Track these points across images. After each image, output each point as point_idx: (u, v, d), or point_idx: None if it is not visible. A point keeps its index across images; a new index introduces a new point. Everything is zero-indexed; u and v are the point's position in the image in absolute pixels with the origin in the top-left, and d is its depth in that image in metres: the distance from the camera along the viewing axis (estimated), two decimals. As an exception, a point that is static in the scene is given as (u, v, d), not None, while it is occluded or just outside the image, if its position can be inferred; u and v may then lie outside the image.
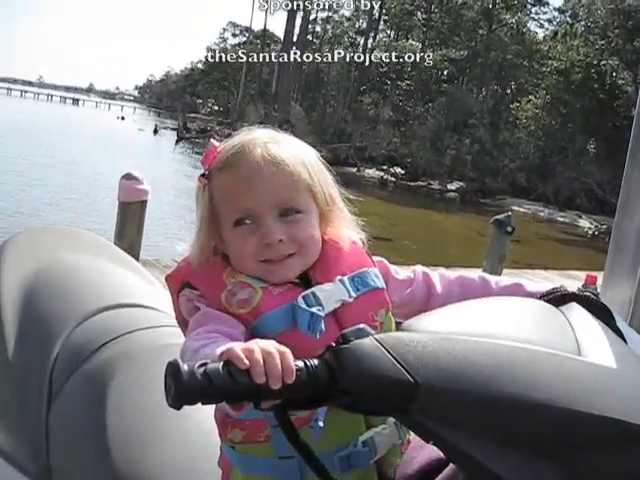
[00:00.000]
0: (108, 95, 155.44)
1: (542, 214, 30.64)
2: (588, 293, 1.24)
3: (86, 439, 1.74)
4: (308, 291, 1.34)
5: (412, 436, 1.39)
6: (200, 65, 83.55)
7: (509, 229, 8.76)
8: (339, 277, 1.38)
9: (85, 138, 36.35)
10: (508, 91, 47.10)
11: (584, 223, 29.51)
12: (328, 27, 63.91)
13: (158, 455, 1.65)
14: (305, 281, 1.39)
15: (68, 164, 24.55)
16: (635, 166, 2.26)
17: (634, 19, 34.83)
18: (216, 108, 74.57)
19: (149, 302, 2.15)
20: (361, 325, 1.05)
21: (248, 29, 71.76)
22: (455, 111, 40.71)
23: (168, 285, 1.46)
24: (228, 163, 1.40)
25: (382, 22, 58.65)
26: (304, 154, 1.45)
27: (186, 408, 1.77)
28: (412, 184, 37.23)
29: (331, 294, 1.35)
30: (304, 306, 1.31)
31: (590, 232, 28.07)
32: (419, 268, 1.56)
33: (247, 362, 1.00)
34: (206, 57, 79.51)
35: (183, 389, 0.97)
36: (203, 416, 1.63)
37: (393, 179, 38.48)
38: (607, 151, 35.64)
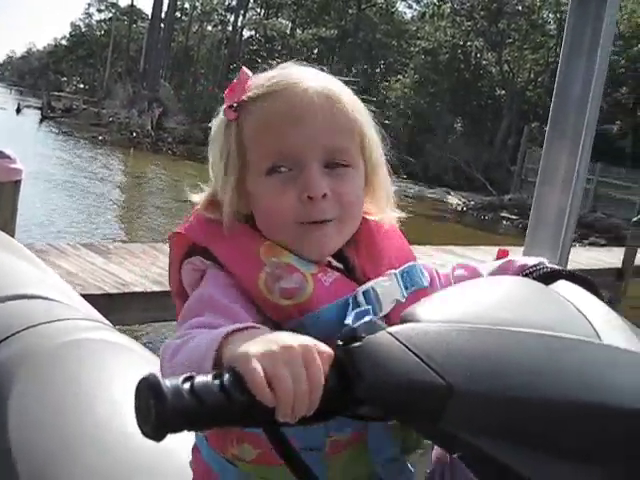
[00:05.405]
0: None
1: (412, 191, 31.21)
2: (573, 271, 1.13)
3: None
4: (368, 286, 1.09)
5: None
6: (64, 42, 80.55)
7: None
8: (393, 271, 1.14)
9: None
10: (378, 70, 47.69)
11: (452, 199, 30.34)
12: (197, 4, 62.76)
13: (72, 468, 1.40)
14: (346, 266, 1.13)
15: None
16: (554, 137, 2.21)
17: (498, 2, 35.98)
18: (82, 86, 71.91)
19: (46, 293, 1.90)
20: (369, 317, 0.86)
21: (114, 5, 69.64)
22: (326, 90, 40.80)
23: (171, 245, 1.15)
24: (271, 90, 1.10)
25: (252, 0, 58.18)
26: (358, 100, 1.17)
27: (100, 408, 1.57)
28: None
29: (389, 292, 1.10)
30: (364, 306, 1.06)
31: (459, 208, 28.91)
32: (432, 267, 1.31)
33: (272, 397, 0.76)
34: (70, 33, 76.87)
35: (167, 414, 0.73)
36: (123, 419, 1.43)
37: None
38: (473, 129, 36.84)
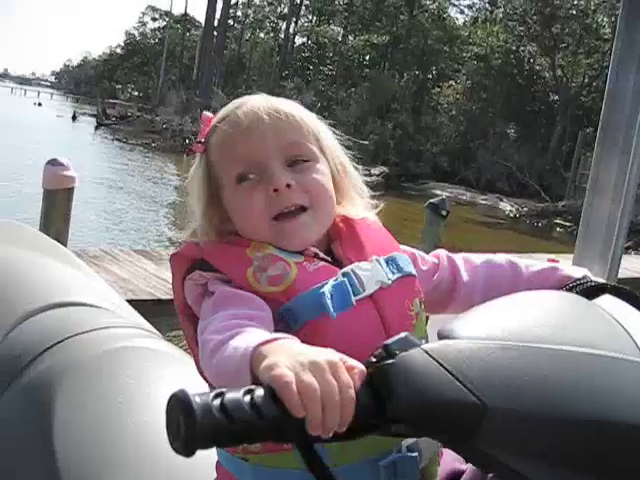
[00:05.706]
0: (24, 80, 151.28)
1: (464, 197, 30.96)
2: (619, 285, 1.11)
3: (28, 458, 1.51)
4: (348, 268, 1.18)
5: None
6: (119, 50, 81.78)
7: (444, 213, 8.73)
8: (375, 257, 1.22)
9: (1, 125, 35.01)
10: (429, 76, 47.42)
11: (505, 206, 29.96)
12: (249, 12, 63.28)
13: (116, 477, 1.42)
14: (334, 259, 1.22)
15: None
16: (605, 144, 2.17)
17: (551, 6, 35.47)
18: (136, 94, 72.90)
19: (91, 300, 1.92)
20: (404, 334, 0.85)
21: (168, 13, 70.56)
22: (378, 96, 40.75)
23: (172, 266, 1.26)
24: (224, 117, 1.27)
25: (303, 7, 58.41)
26: (308, 111, 1.32)
27: (140, 418, 1.58)
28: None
29: (371, 274, 1.19)
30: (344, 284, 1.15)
31: (512, 214, 28.55)
32: (443, 252, 1.42)
33: (302, 409, 0.78)
34: (125, 42, 78.09)
35: (197, 430, 0.73)
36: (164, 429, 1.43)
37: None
38: (526, 135, 36.37)
